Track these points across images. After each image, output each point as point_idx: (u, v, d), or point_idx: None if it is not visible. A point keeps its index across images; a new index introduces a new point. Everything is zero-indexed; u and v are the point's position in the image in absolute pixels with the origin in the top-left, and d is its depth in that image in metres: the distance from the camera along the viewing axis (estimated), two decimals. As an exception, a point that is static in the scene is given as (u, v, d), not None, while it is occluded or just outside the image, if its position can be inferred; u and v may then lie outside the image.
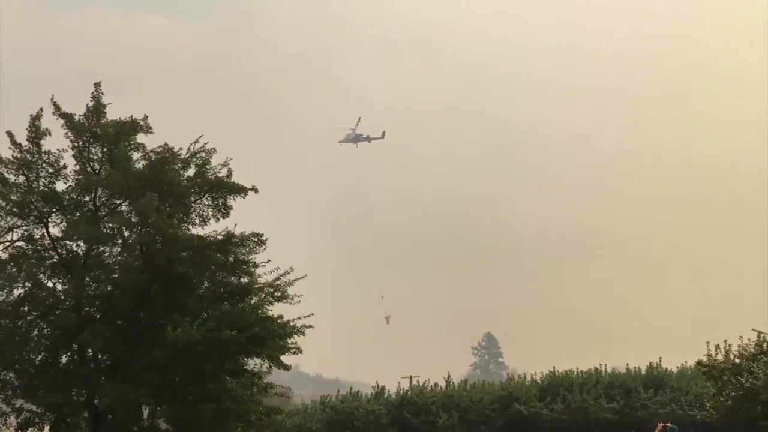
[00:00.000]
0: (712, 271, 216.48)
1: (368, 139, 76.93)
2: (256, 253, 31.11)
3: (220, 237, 29.32)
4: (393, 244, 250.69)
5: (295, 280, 30.24)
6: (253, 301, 29.01)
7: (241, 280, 29.97)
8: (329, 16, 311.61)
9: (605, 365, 54.04)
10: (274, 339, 28.85)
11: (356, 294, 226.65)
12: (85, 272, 28.98)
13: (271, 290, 30.32)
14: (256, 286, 30.34)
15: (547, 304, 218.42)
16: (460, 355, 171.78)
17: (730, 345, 31.34)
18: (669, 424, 20.04)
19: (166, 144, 29.20)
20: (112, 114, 30.06)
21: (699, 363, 31.20)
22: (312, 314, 30.19)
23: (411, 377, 65.77)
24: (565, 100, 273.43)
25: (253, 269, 30.32)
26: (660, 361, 52.06)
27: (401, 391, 53.88)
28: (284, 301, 30.35)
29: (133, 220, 28.40)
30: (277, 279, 30.20)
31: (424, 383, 53.66)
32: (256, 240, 29.44)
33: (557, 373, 53.72)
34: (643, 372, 52.06)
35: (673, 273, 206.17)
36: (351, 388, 55.56)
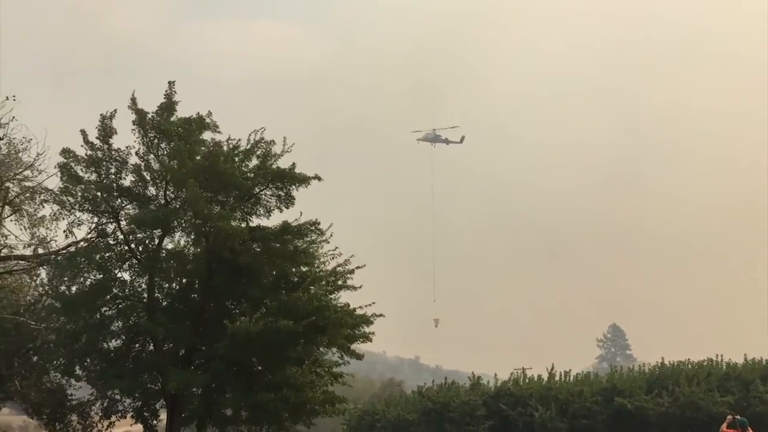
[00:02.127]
0: None
1: (446, 141, 75.89)
2: (319, 243, 31.21)
3: (276, 227, 29.43)
4: (515, 238, 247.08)
5: (355, 268, 30.09)
6: (312, 290, 28.71)
7: (302, 268, 29.89)
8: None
9: (721, 356, 49.88)
10: (335, 327, 28.56)
11: (483, 286, 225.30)
12: (156, 263, 29.94)
13: (333, 278, 30.19)
14: (318, 274, 30.30)
15: (679, 293, 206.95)
16: (585, 347, 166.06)
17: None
18: (738, 417, 17.90)
19: (213, 139, 29.95)
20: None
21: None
22: (373, 302, 29.86)
23: (523, 369, 63.74)
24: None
25: (314, 259, 30.27)
26: (782, 350, 47.25)
27: (498, 383, 52.28)
28: (345, 289, 30.17)
29: (188, 212, 28.87)
30: (339, 266, 30.08)
31: (522, 374, 51.77)
32: (312, 228, 29.26)
33: (667, 365, 50.24)
34: (764, 363, 47.54)
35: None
36: (446, 378, 54.78)
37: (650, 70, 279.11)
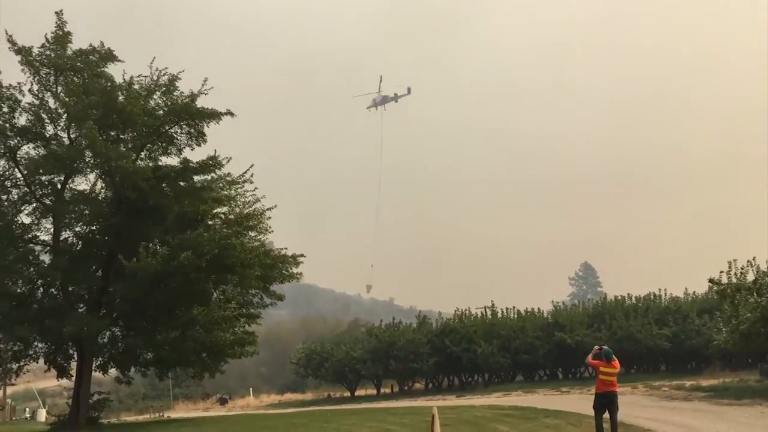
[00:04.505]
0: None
1: (395, 98, 74.13)
2: (242, 183, 30.57)
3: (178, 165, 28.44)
4: (496, 178, 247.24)
5: (269, 209, 29.80)
6: (217, 229, 27.84)
7: (208, 207, 28.98)
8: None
9: (664, 290, 49.97)
10: (245, 267, 27.83)
11: (462, 227, 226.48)
12: (61, 206, 28.86)
13: (245, 220, 29.52)
14: (230, 216, 29.61)
15: (651, 229, 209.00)
16: (558, 285, 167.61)
17: (757, 264, 27.26)
18: (605, 347, 17.51)
19: (105, 74, 28.44)
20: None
21: (710, 281, 27.43)
22: (272, 230, 29.87)
23: (485, 308, 63.74)
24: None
25: (225, 198, 29.48)
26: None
27: (441, 321, 52.40)
28: (255, 231, 29.57)
29: (87, 152, 27.62)
30: (247, 208, 29.53)
31: (464, 312, 51.80)
32: (212, 163, 28.25)
33: (610, 300, 50.45)
34: (701, 297, 47.67)
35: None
36: (393, 318, 54.85)
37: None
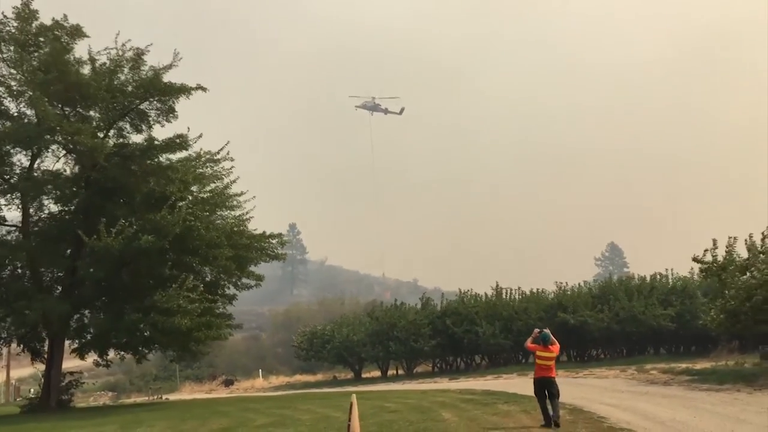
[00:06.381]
0: None
1: (385, 111, 73.53)
2: (219, 162, 29.82)
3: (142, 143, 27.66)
4: (524, 161, 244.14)
5: (240, 190, 28.96)
6: (181, 209, 26.87)
7: (177, 188, 28.07)
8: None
9: (671, 270, 48.17)
10: (212, 248, 26.95)
11: (488, 208, 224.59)
12: (28, 185, 28.23)
13: (218, 199, 28.75)
14: (200, 195, 28.80)
15: (682, 209, 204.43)
16: (584, 266, 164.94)
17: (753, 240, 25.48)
18: (545, 330, 16.33)
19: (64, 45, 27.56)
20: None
21: (695, 259, 25.78)
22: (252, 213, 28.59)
23: (497, 286, 62.30)
24: None
25: (194, 178, 28.62)
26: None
27: (444, 302, 51.19)
28: (224, 209, 28.73)
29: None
30: (224, 186, 28.77)
31: (466, 293, 50.53)
32: (179, 142, 27.39)
33: (614, 281, 48.83)
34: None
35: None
36: (395, 300, 53.89)
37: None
